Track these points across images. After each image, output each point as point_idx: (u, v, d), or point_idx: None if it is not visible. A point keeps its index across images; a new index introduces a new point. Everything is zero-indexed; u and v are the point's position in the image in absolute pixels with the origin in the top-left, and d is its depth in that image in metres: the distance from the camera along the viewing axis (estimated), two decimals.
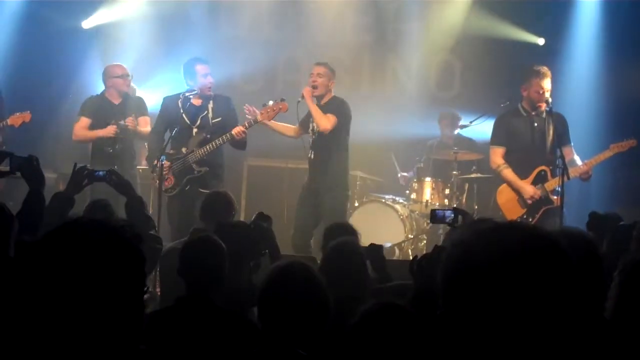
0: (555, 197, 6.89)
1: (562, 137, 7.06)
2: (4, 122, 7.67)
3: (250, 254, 4.47)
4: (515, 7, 9.63)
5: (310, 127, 7.50)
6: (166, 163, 7.24)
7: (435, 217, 4.19)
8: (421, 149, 9.20)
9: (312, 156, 7.46)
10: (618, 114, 9.16)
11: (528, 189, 7.04)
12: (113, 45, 9.60)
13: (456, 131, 9.13)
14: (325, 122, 7.33)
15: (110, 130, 7.65)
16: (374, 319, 2.54)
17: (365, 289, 3.90)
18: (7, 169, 4.05)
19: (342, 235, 4.55)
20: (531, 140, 7.06)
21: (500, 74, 9.50)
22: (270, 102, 7.34)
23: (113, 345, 1.65)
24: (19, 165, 4.09)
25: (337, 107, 7.45)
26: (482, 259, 1.50)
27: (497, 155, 7.24)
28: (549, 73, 7.12)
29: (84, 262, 1.64)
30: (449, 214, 4.10)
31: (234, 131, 7.17)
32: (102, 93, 7.90)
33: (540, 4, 9.54)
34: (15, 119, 7.69)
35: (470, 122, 8.66)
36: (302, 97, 7.40)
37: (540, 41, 9.75)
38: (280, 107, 7.29)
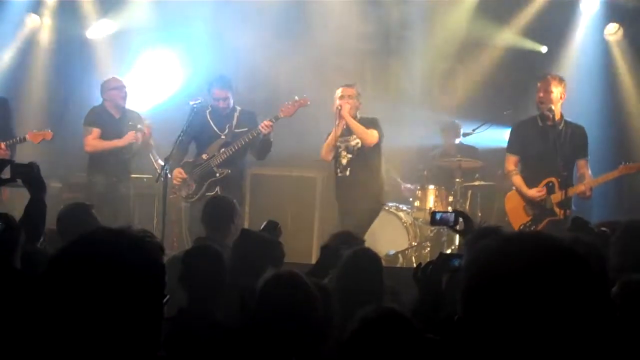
0: (559, 210, 6.85)
1: (578, 150, 7.01)
2: (22, 138, 7.64)
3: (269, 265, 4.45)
4: (518, 15, 9.64)
5: (343, 147, 7.49)
6: (178, 170, 7.37)
7: (434, 219, 4.17)
8: (425, 157, 9.21)
9: (348, 173, 7.45)
10: (621, 123, 9.17)
11: (531, 192, 7.01)
12: (116, 54, 9.63)
13: (458, 140, 9.14)
14: (370, 136, 7.38)
15: (129, 137, 7.73)
16: (372, 325, 2.55)
17: (382, 295, 3.90)
18: (8, 176, 3.99)
19: (346, 243, 4.56)
20: (543, 150, 6.97)
21: (503, 81, 9.51)
22: (291, 100, 7.43)
23: (133, 352, 1.67)
24: (20, 172, 4.04)
25: (373, 122, 7.49)
26: (505, 267, 1.52)
27: (509, 163, 7.23)
28: (551, 79, 7.06)
29: (105, 271, 1.65)
30: (449, 217, 4.08)
31: (262, 125, 7.27)
32: (102, 104, 7.94)
33: (543, 12, 9.54)
34: (35, 136, 7.64)
35: (473, 130, 8.67)
36: (338, 113, 7.39)
37: (543, 49, 9.77)
38: (301, 102, 7.40)
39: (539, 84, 7.00)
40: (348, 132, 7.48)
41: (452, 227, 4.12)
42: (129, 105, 8.05)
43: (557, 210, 6.88)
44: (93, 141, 7.78)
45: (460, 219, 4.08)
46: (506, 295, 1.50)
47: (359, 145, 7.43)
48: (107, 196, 7.60)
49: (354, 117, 7.49)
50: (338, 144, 7.49)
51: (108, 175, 7.72)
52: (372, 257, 4.11)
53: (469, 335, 1.54)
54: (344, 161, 7.49)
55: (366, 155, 7.43)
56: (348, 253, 4.06)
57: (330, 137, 7.50)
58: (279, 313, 2.84)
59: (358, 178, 7.38)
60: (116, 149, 7.77)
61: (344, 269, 3.96)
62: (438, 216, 4.14)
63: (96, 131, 7.79)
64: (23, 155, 7.90)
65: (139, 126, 7.84)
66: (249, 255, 4.33)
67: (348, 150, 7.48)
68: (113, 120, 7.84)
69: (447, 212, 4.22)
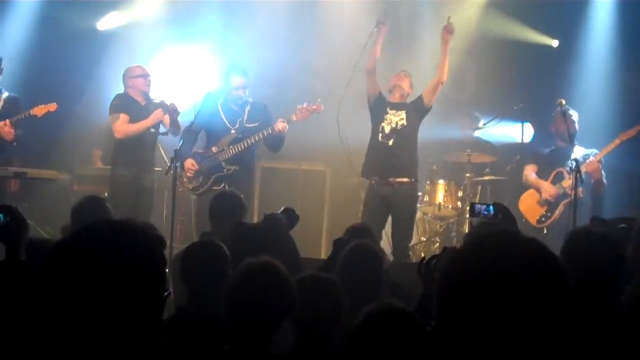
0: (572, 191, 7.02)
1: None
2: (27, 113, 7.52)
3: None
4: (529, 9, 9.60)
5: (388, 118, 7.49)
6: (190, 162, 7.34)
7: (474, 211, 4.12)
8: (436, 151, 9.18)
9: (391, 144, 7.45)
10: (633, 116, 9.11)
11: (549, 189, 7.42)
12: (127, 46, 9.63)
13: (476, 133, 9.13)
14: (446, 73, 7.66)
15: (158, 115, 7.58)
16: (376, 321, 2.55)
17: (382, 290, 3.89)
18: None
19: (361, 237, 4.56)
20: (554, 160, 7.51)
21: (514, 75, 9.48)
22: (305, 104, 7.42)
23: (133, 343, 1.67)
24: None
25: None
26: (474, 273, 1.50)
27: (528, 170, 7.76)
28: (569, 116, 7.35)
29: (105, 263, 1.66)
30: (488, 209, 4.02)
31: (278, 126, 7.28)
32: (126, 92, 7.79)
33: (554, 6, 9.50)
34: (40, 109, 7.52)
35: (484, 125, 8.67)
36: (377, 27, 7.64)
37: (555, 43, 9.73)
38: (315, 107, 7.41)
39: (556, 118, 7.37)
40: (397, 107, 7.52)
41: (491, 221, 4.04)
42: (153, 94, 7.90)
43: (569, 192, 7.08)
44: (122, 126, 7.58)
45: (500, 214, 4.02)
46: (472, 302, 1.48)
47: (404, 123, 7.43)
48: (128, 188, 7.54)
49: (404, 98, 7.59)
50: (388, 110, 7.52)
51: (131, 167, 7.60)
52: (370, 251, 4.10)
53: (444, 343, 1.53)
54: (387, 129, 7.46)
55: (409, 133, 7.45)
56: (347, 248, 4.05)
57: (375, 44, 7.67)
58: (251, 304, 2.93)
59: (400, 152, 7.38)
60: (145, 134, 7.63)
61: (343, 263, 3.95)
62: (477, 208, 4.09)
63: (124, 116, 7.60)
64: (33, 146, 7.93)
65: (161, 101, 7.69)
66: (243, 248, 4.32)
67: (392, 122, 7.47)
68: (139, 106, 7.70)
69: (487, 204, 4.14)
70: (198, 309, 3.66)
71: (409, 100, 7.64)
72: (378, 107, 7.56)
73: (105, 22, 9.91)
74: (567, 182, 7.19)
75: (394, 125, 7.44)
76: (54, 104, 7.60)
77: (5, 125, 7.40)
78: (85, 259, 1.66)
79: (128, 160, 7.61)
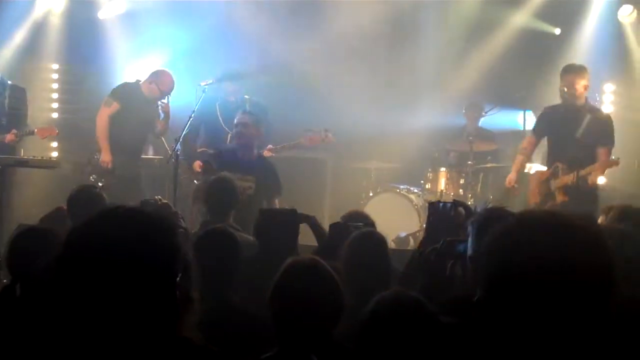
0: (560, 195, 6.88)
1: (598, 137, 6.99)
2: (31, 131, 7.68)
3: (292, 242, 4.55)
4: None
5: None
6: (198, 164, 7.46)
7: (437, 209, 4.10)
8: (438, 138, 9.17)
9: None
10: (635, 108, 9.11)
11: (510, 176, 7.33)
12: (128, 35, 9.61)
13: (480, 122, 9.12)
14: None
15: (106, 162, 7.67)
16: (388, 309, 2.55)
17: (390, 279, 3.89)
18: None
19: (355, 221, 4.57)
20: (561, 132, 7.08)
21: (516, 63, 9.46)
22: (318, 133, 7.51)
23: (149, 329, 1.68)
24: None
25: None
26: (534, 255, 1.53)
27: (524, 141, 7.52)
28: (577, 69, 7.10)
29: (120, 249, 1.67)
30: (448, 207, 4.00)
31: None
32: (140, 84, 7.89)
33: None
34: (42, 131, 7.72)
35: (485, 112, 8.65)
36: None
37: (557, 31, 9.69)
38: (327, 140, 7.52)
39: (563, 77, 7.04)
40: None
41: (450, 217, 4.02)
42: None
43: (557, 194, 6.95)
44: (103, 118, 7.74)
45: (461, 209, 4.00)
46: (534, 282, 1.51)
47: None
48: (117, 175, 7.64)
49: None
50: None
51: (119, 154, 7.70)
52: (377, 239, 4.09)
53: (490, 317, 1.56)
54: None
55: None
56: (354, 235, 4.05)
57: None
58: (300, 301, 2.83)
59: None
60: (137, 125, 7.74)
61: (350, 251, 3.95)
62: (437, 207, 4.06)
63: (115, 106, 7.73)
64: (35, 143, 7.95)
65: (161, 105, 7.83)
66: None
67: None
68: (144, 101, 7.81)
69: (446, 202, 4.11)
70: (212, 293, 3.71)
71: None
72: None
73: (106, 10, 9.85)
74: (561, 181, 6.88)
75: None
76: (55, 129, 7.80)
77: (11, 134, 7.51)
78: (101, 244, 1.67)
79: (114, 148, 7.69)
